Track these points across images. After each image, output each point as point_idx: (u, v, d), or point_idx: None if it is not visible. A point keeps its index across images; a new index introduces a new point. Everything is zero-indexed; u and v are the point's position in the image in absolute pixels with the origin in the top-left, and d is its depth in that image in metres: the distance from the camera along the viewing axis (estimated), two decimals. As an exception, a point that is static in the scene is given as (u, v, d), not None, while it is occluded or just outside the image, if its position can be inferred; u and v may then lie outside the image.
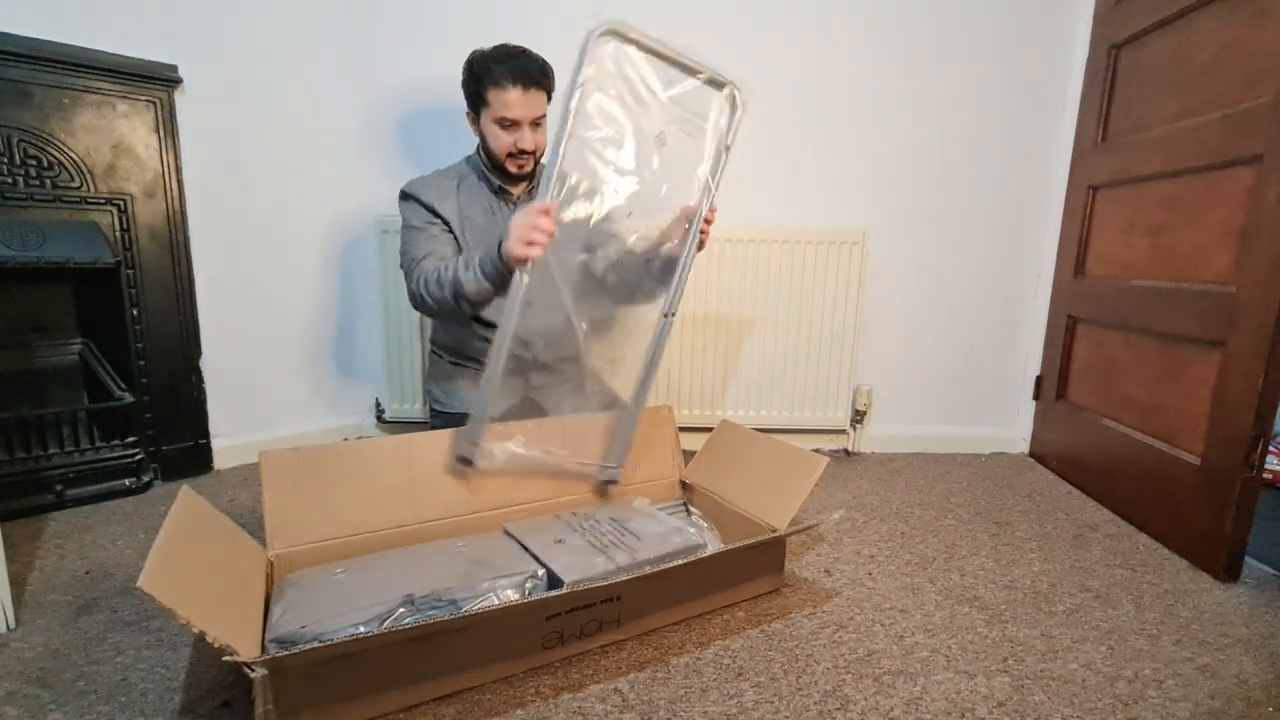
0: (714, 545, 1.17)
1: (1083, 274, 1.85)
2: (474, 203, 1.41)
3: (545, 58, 1.34)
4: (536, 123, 1.34)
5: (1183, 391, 1.45)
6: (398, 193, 1.41)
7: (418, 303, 1.32)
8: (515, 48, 1.32)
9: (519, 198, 1.43)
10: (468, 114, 1.38)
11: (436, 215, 1.36)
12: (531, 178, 1.44)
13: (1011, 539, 1.46)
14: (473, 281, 1.19)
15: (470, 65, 1.33)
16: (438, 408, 1.50)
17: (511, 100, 1.29)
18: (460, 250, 1.38)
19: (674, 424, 1.45)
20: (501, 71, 1.28)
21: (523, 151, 1.34)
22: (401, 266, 1.38)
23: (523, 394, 1.45)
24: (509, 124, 1.31)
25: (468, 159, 1.46)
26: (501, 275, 1.15)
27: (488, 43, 1.56)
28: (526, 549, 1.09)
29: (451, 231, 1.38)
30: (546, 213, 1.08)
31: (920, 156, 1.94)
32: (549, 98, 1.36)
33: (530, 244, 1.07)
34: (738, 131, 1.22)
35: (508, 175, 1.39)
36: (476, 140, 1.43)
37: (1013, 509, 1.64)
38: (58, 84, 1.40)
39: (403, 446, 1.18)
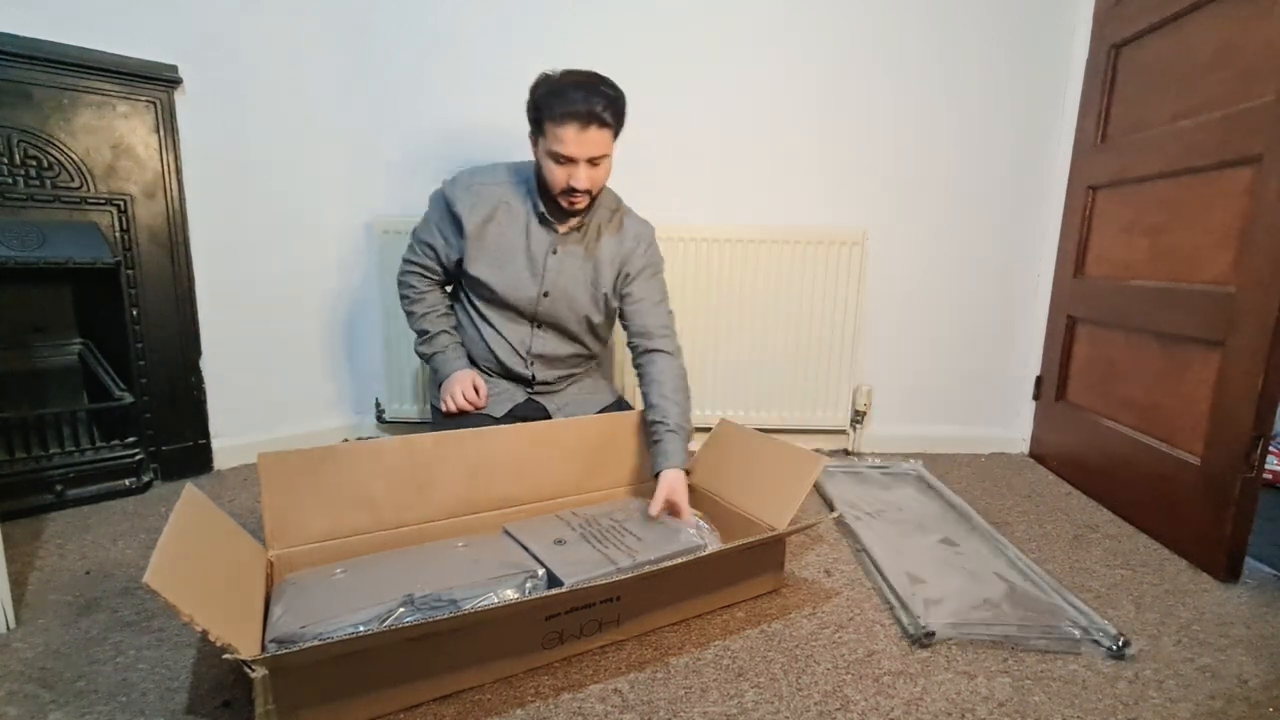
0: (714, 545, 1.16)
1: (1082, 274, 1.85)
2: (513, 221, 1.33)
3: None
4: (595, 161, 1.23)
5: (1182, 392, 1.45)
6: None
7: (399, 277, 1.45)
8: (586, 76, 1.21)
9: (565, 233, 1.34)
10: (530, 134, 1.28)
11: (458, 224, 1.32)
12: (584, 213, 1.34)
13: (1011, 539, 1.46)
14: (427, 349, 1.41)
15: (534, 90, 1.23)
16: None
17: (568, 138, 1.18)
18: (444, 267, 1.39)
19: None
20: (562, 106, 1.18)
21: (574, 190, 1.23)
22: (412, 234, 1.43)
23: (526, 395, 1.45)
24: (563, 160, 1.21)
25: (529, 173, 1.36)
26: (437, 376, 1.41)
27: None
28: (526, 549, 1.09)
29: (463, 235, 1.33)
30: (477, 392, 1.34)
31: (920, 156, 1.94)
32: (616, 134, 1.24)
33: (453, 399, 1.33)
34: None
35: (558, 208, 1.31)
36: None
37: (1013, 509, 1.64)
38: (58, 84, 1.40)
39: (402, 446, 1.18)
